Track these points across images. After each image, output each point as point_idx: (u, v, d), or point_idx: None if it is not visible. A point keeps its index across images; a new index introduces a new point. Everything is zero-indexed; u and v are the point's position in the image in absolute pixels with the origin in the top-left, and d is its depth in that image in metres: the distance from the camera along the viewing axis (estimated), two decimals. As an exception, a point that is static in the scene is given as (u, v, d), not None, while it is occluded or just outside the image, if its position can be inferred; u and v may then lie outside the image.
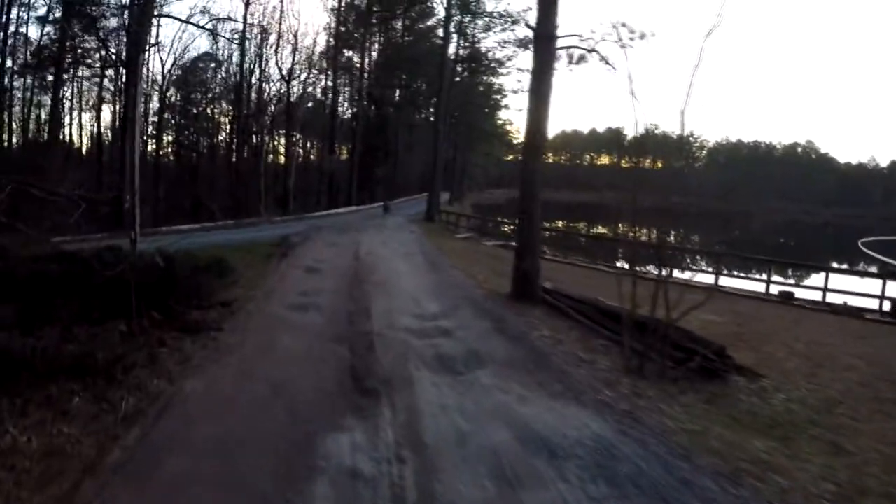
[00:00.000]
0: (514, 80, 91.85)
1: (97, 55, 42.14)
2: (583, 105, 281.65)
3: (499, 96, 67.60)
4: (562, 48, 14.61)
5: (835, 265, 36.79)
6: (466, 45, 53.20)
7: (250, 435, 5.75)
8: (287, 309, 11.49)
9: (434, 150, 43.43)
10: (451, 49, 47.66)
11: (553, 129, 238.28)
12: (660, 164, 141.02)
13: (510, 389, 7.32)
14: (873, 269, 34.19)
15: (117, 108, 43.12)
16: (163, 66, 46.70)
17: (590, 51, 15.77)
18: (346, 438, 5.72)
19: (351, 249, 21.61)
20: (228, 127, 53.11)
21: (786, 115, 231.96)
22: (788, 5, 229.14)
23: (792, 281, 24.95)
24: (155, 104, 48.33)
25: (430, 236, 30.27)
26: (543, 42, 13.92)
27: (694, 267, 27.81)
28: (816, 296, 20.98)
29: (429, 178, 47.04)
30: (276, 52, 49.03)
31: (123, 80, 38.60)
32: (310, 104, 58.87)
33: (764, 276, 23.06)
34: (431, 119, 75.84)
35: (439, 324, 10.87)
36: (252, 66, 49.92)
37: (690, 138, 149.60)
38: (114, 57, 40.91)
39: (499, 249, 27.99)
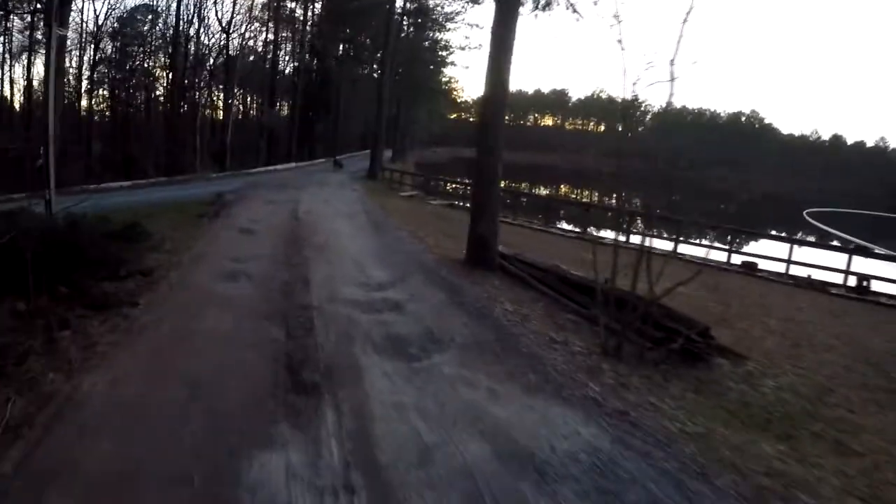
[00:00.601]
0: (461, 37, 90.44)
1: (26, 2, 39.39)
2: (528, 65, 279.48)
3: (445, 52, 65.54)
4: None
5: (803, 237, 36.69)
6: (414, -2, 51.32)
7: (159, 458, 4.44)
8: (215, 278, 10.12)
9: (378, 105, 41.79)
10: (399, 2, 45.80)
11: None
12: (602, 128, 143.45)
13: (477, 382, 6.20)
14: (835, 243, 34.00)
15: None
16: (96, 16, 44.26)
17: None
18: (279, 459, 4.48)
19: (289, 208, 20.24)
20: (166, 81, 50.61)
21: (730, 84, 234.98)
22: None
23: (750, 249, 24.27)
24: (90, 57, 45.80)
25: (374, 195, 28.91)
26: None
27: (652, 232, 27.04)
28: (778, 267, 20.56)
29: (371, 135, 45.61)
30: (215, 2, 46.63)
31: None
32: (250, 58, 56.57)
33: (720, 244, 22.50)
34: (375, 75, 74.49)
35: (388, 295, 9.71)
36: (190, 17, 47.54)
37: (635, 102, 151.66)
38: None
39: (446, 209, 26.88)
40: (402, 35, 50.44)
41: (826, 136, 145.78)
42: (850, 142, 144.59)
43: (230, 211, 18.80)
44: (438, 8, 52.55)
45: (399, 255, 13.34)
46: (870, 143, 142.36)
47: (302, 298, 9.10)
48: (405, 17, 50.37)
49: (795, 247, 21.40)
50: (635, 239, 22.55)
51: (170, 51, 47.92)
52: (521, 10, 13.22)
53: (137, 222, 11.29)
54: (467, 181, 52.50)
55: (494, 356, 7.19)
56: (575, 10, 14.53)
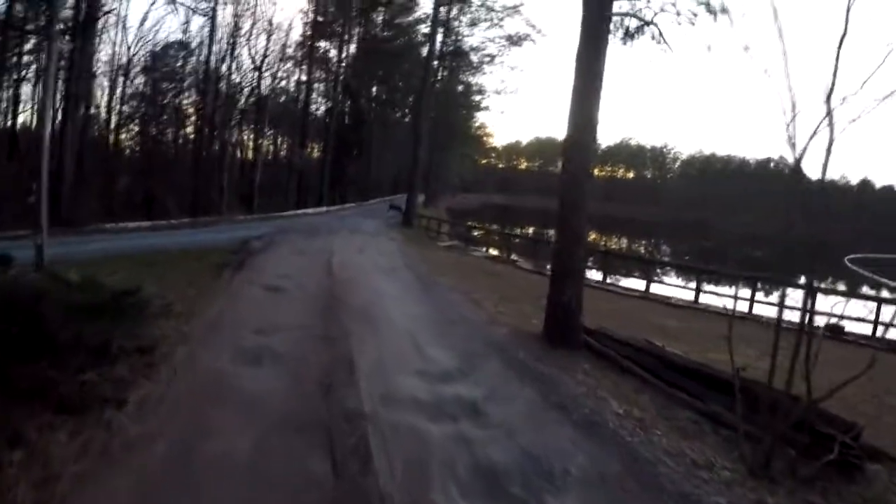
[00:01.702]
0: (496, 80, 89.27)
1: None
2: (557, 112, 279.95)
3: (479, 97, 63.86)
4: (616, 14, 10.92)
5: (886, 294, 33.72)
6: (450, 40, 49.53)
7: None
8: (233, 359, 7.80)
9: (414, 149, 39.82)
10: (436, 44, 44.04)
11: (527, 135, 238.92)
12: (631, 175, 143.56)
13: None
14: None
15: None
16: (128, 48, 42.87)
17: (647, 23, 12.22)
18: None
19: (322, 259, 17.98)
20: (195, 118, 49.05)
21: (759, 131, 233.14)
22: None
23: (822, 306, 21.31)
24: (120, 91, 44.36)
25: (412, 244, 26.69)
26: (595, 4, 10.51)
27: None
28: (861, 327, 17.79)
29: (403, 179, 43.83)
30: (248, 39, 45.16)
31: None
32: (282, 98, 55.13)
33: (779, 300, 19.72)
34: (407, 118, 73.22)
35: (459, 391, 7.36)
36: (223, 55, 46.07)
37: (664, 150, 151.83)
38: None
39: (493, 264, 24.68)
40: (437, 78, 48.47)
41: (854, 181, 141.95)
42: (878, 186, 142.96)
43: (255, 261, 16.57)
44: (475, 51, 50.84)
45: (459, 327, 10.95)
46: None
47: (348, 397, 6.72)
48: (441, 60, 48.47)
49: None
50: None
51: (200, 87, 46.42)
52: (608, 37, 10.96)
53: (133, 291, 8.62)
54: (507, 231, 51.50)
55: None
56: (663, 40, 12.18)
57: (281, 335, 9.11)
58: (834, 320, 17.29)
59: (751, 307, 18.85)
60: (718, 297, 19.81)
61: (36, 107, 39.97)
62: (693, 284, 22.34)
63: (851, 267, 50.70)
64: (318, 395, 6.75)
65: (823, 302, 18.71)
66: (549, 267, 25.06)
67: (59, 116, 30.87)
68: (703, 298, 20.04)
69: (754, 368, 9.66)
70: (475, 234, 36.95)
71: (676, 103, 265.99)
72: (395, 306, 12.09)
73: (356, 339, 9.19)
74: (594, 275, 23.89)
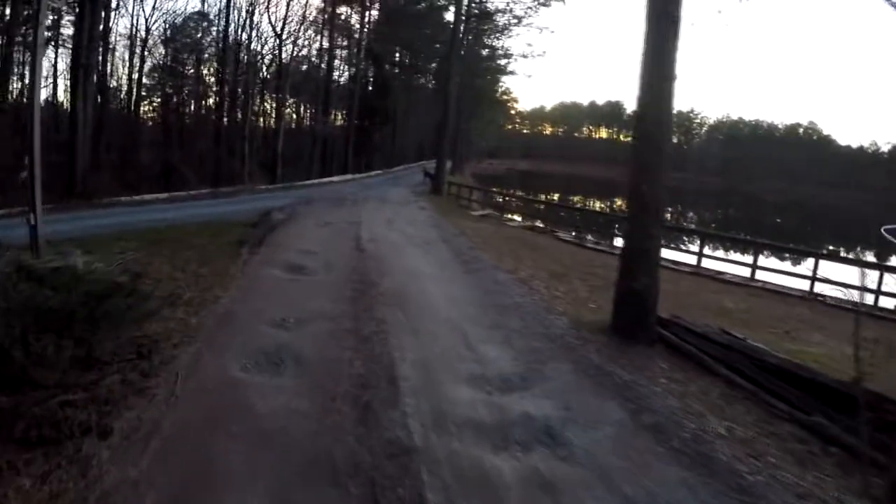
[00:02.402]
0: (522, 43, 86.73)
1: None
2: (582, 76, 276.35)
3: (505, 60, 61.73)
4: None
5: None
6: (476, 1, 47.46)
7: None
8: (247, 365, 6.40)
9: (443, 114, 38.04)
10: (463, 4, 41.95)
11: (551, 100, 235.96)
12: None
13: None
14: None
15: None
16: (146, 20, 41.58)
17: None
18: None
19: (349, 232, 16.58)
20: (216, 87, 47.66)
21: (788, 96, 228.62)
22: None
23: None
24: (138, 63, 43.22)
25: (444, 214, 25.09)
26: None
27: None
28: None
29: (428, 146, 42.27)
30: (267, 6, 43.50)
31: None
32: (304, 67, 53.51)
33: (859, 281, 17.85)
34: (431, 84, 71.65)
35: (527, 407, 5.90)
36: (243, 23, 44.56)
37: (691, 114, 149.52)
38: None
39: (532, 234, 23.01)
40: (463, 41, 46.54)
41: (885, 148, 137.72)
42: None
43: (277, 236, 15.15)
44: (501, 13, 48.77)
45: (511, 316, 9.39)
46: None
47: (391, 422, 5.31)
48: (467, 21, 46.45)
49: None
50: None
51: (220, 56, 44.98)
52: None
53: (122, 284, 7.00)
54: (540, 197, 49.90)
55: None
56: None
57: (304, 329, 7.72)
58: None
59: (812, 286, 17.13)
60: (774, 272, 18.23)
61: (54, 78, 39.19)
62: (743, 258, 20.74)
63: (888, 238, 48.30)
64: (352, 420, 5.32)
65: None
66: (589, 238, 24.01)
67: (70, 88, 29.78)
68: (759, 275, 18.38)
69: (834, 361, 8.42)
70: (506, 201, 35.17)
71: (704, 66, 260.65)
72: (435, 289, 10.62)
73: (394, 334, 7.77)
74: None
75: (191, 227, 15.74)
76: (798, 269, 18.02)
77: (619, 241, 24.70)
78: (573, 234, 24.18)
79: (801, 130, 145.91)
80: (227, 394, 5.69)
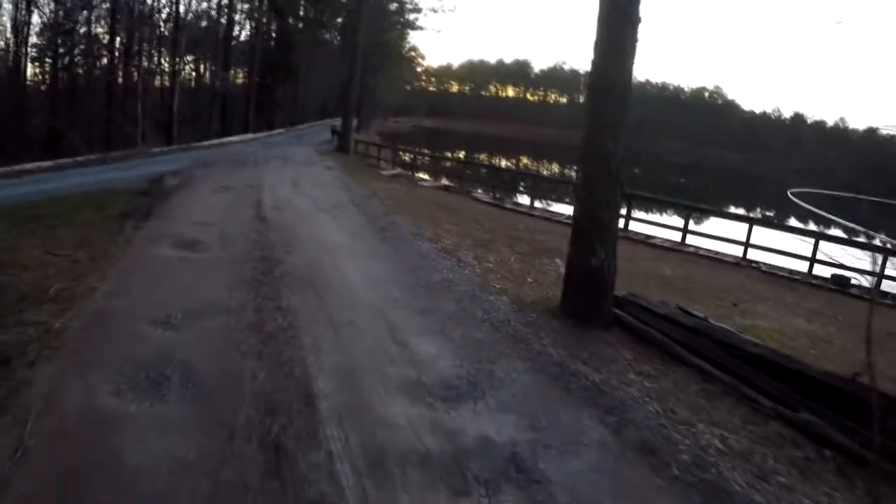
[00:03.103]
0: None
1: None
2: (490, 33, 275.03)
3: (414, 15, 59.37)
4: None
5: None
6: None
7: None
8: (120, 388, 4.78)
9: (350, 69, 35.98)
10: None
11: (459, 57, 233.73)
12: (564, 100, 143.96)
13: None
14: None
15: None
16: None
17: None
18: None
19: (250, 198, 14.84)
20: (108, 45, 44.13)
21: (695, 60, 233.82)
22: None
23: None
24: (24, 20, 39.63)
25: (352, 173, 23.42)
26: None
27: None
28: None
29: (332, 104, 40.52)
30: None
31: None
32: (203, 23, 50.40)
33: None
34: (337, 40, 69.07)
35: (483, 427, 4.65)
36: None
37: None
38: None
39: (448, 196, 21.82)
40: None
41: (787, 115, 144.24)
42: (809, 121, 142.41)
43: (169, 206, 13.27)
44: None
45: (444, 296, 8.05)
46: (830, 123, 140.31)
47: (312, 472, 3.87)
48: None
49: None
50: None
51: (113, 8, 41.57)
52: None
53: None
54: (448, 155, 48.71)
55: None
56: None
57: (194, 328, 6.17)
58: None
59: (745, 252, 16.50)
60: (706, 237, 17.64)
61: None
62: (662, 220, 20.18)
63: (795, 201, 49.33)
64: (259, 471, 3.85)
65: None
66: (498, 196, 22.84)
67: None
68: (689, 239, 17.68)
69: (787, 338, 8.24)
70: (418, 160, 33.74)
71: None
72: (351, 265, 9.14)
73: (306, 328, 6.30)
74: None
75: (73, 200, 13.77)
76: (730, 234, 17.23)
77: (524, 199, 23.86)
78: (492, 194, 23.08)
79: (706, 94, 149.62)
80: (92, 438, 4.13)
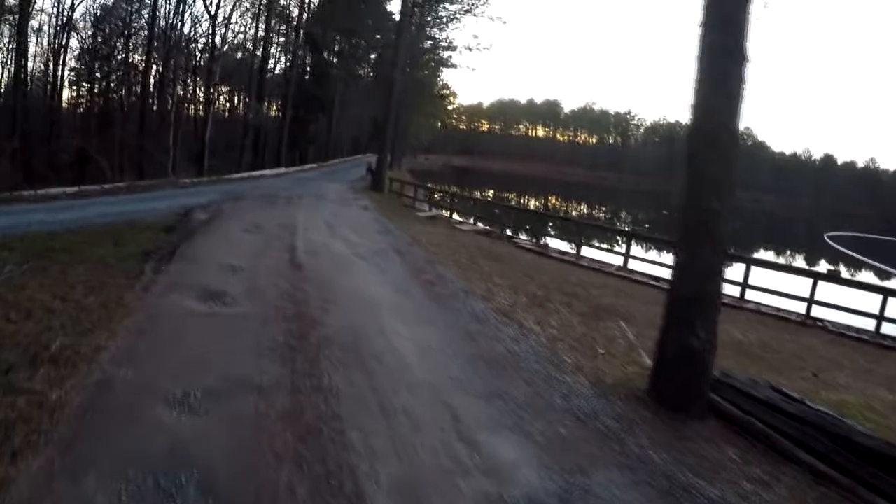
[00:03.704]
0: (467, 36, 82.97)
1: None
2: (521, 73, 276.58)
3: (448, 53, 58.61)
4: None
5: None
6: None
7: None
8: (119, 502, 3.70)
9: (387, 105, 35.13)
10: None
11: (489, 96, 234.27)
12: (594, 140, 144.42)
13: None
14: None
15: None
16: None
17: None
18: None
19: (283, 240, 13.74)
20: (143, 71, 43.90)
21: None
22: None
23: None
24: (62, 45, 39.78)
25: (389, 215, 22.30)
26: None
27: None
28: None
29: (365, 140, 39.91)
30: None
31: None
32: (239, 55, 50.13)
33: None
34: (370, 75, 68.78)
35: None
36: (176, 3, 41.19)
37: (628, 115, 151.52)
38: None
39: (489, 241, 20.74)
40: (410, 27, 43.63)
41: (818, 156, 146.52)
42: (840, 161, 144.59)
43: (194, 246, 12.17)
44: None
45: (512, 375, 6.78)
46: (860, 164, 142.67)
47: None
48: (415, 6, 43.53)
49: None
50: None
51: (149, 37, 41.36)
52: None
53: None
54: (502, 202, 47.79)
55: None
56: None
57: (217, 415, 4.98)
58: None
59: (809, 309, 15.33)
60: (764, 292, 16.48)
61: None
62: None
63: (832, 245, 48.17)
64: None
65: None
66: (542, 243, 21.68)
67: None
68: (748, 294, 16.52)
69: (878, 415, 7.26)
70: (453, 200, 32.76)
71: (642, 69, 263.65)
72: (399, 329, 7.91)
73: (353, 420, 5.11)
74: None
75: (93, 231, 12.78)
76: (787, 287, 15.99)
77: (557, 243, 22.69)
78: (534, 240, 21.96)
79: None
80: None
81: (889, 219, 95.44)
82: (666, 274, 17.98)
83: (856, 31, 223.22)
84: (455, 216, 28.70)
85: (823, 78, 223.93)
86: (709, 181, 6.31)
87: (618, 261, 19.88)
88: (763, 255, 40.32)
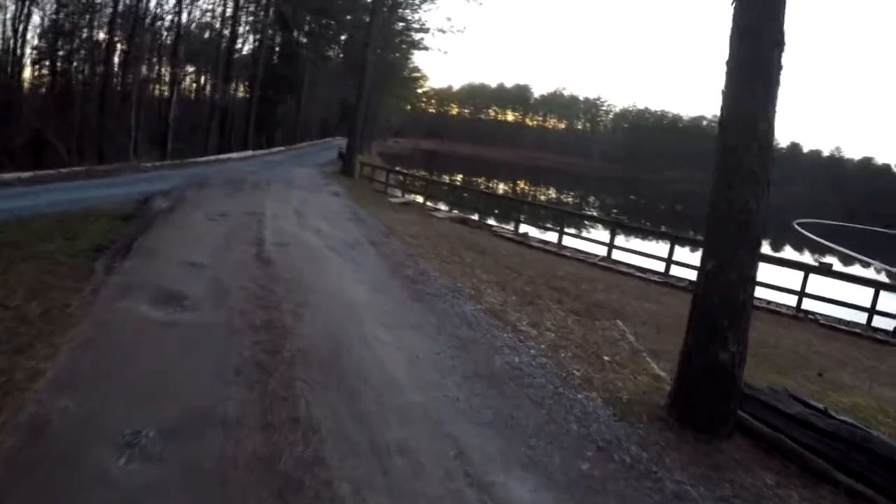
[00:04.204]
0: (441, 18, 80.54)
1: None
2: (491, 57, 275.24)
3: (420, 35, 57.12)
4: None
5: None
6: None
7: None
8: None
9: (359, 87, 33.93)
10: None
11: (459, 80, 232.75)
12: (562, 125, 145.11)
13: None
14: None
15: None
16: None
17: None
18: None
19: (250, 230, 12.72)
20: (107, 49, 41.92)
21: (694, 89, 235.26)
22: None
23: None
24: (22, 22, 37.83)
25: (361, 202, 21.21)
26: None
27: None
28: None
29: (333, 122, 38.78)
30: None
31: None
32: (207, 35, 48.50)
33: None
34: (339, 56, 67.42)
35: None
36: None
37: (598, 101, 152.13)
38: None
39: (468, 230, 19.85)
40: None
41: (784, 144, 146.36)
42: (805, 150, 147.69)
43: (153, 237, 11.13)
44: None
45: (518, 393, 5.95)
46: (825, 153, 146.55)
47: None
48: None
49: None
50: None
51: (111, 11, 39.43)
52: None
53: None
54: (479, 188, 47.02)
55: None
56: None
57: (174, 462, 4.06)
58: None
59: (799, 302, 14.97)
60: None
61: None
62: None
63: (802, 232, 48.85)
64: None
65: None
66: (522, 232, 20.78)
67: None
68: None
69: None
70: (427, 186, 31.83)
71: (612, 55, 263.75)
72: (383, 337, 7.00)
73: (341, 466, 4.23)
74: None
75: (44, 223, 11.53)
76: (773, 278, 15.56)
77: (535, 231, 21.95)
78: (514, 229, 21.20)
79: (704, 123, 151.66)
80: None
81: (852, 207, 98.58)
82: (650, 264, 17.44)
83: (819, 22, 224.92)
84: (429, 202, 27.76)
85: (792, 67, 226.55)
86: (746, 177, 5.51)
87: (600, 250, 19.13)
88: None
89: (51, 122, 33.79)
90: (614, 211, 58.61)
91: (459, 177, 69.66)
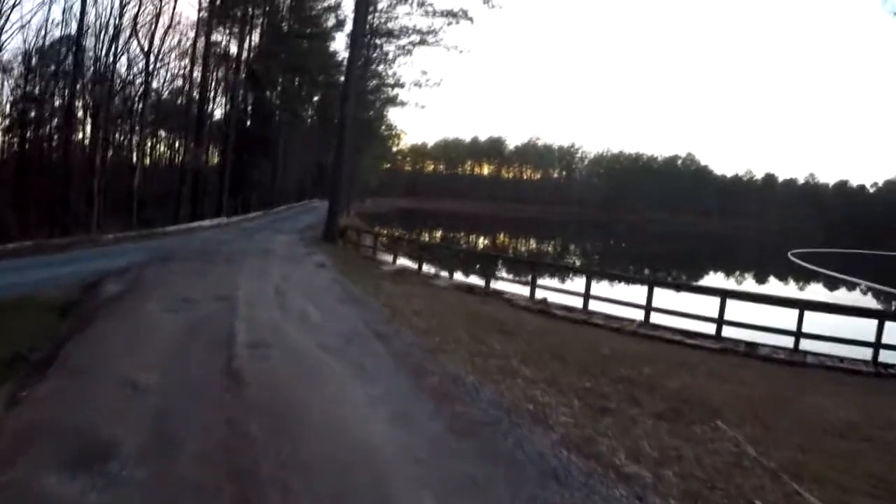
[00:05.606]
0: (416, 72, 77.41)
1: None
2: (465, 112, 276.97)
3: (395, 90, 55.13)
4: None
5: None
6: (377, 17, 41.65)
7: None
8: None
9: (339, 143, 31.50)
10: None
11: (433, 135, 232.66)
12: (539, 175, 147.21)
13: None
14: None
15: None
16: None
17: None
18: None
19: (218, 325, 9.69)
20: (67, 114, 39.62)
21: (667, 128, 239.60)
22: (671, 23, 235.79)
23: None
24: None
25: (351, 274, 18.18)
26: None
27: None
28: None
29: (310, 185, 37.14)
30: (134, 24, 36.65)
31: None
32: (179, 101, 46.57)
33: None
34: (312, 117, 66.17)
35: None
36: (102, 35, 37.17)
37: (571, 149, 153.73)
38: None
39: (477, 300, 17.30)
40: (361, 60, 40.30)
41: (759, 175, 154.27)
42: (781, 179, 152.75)
43: (88, 343, 8.19)
44: (404, 32, 42.99)
45: None
46: (801, 181, 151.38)
47: None
48: (371, 36, 40.38)
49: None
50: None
51: (74, 77, 37.17)
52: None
53: None
54: (491, 252, 45.10)
55: None
56: None
57: None
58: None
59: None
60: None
61: None
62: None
63: (796, 261, 49.27)
64: None
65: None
66: (539, 298, 18.07)
67: None
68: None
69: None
70: (422, 250, 29.27)
71: (584, 102, 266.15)
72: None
73: None
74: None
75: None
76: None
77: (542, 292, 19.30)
78: (531, 294, 18.57)
79: (679, 162, 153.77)
80: None
81: (832, 232, 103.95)
82: (694, 325, 14.82)
83: (790, 52, 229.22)
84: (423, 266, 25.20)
85: (762, 97, 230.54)
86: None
87: (632, 313, 16.45)
88: (724, 279, 42.53)
89: (5, 192, 31.31)
90: (596, 256, 58.02)
91: (439, 234, 70.21)
